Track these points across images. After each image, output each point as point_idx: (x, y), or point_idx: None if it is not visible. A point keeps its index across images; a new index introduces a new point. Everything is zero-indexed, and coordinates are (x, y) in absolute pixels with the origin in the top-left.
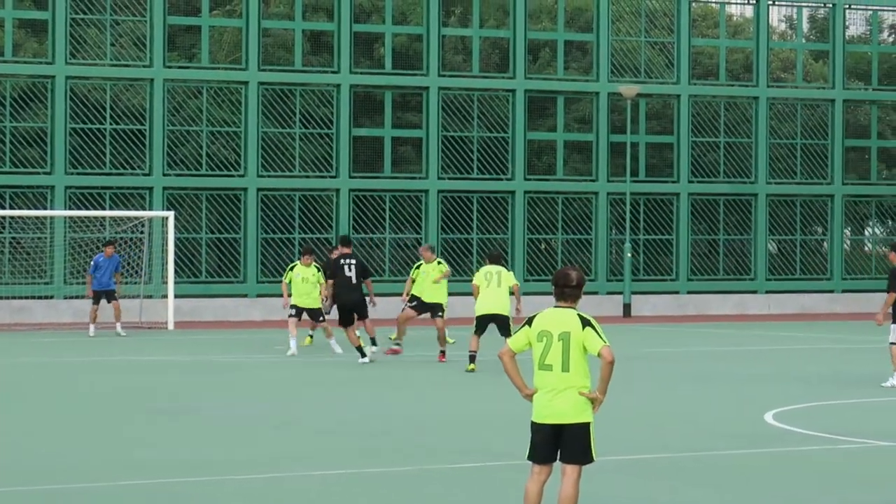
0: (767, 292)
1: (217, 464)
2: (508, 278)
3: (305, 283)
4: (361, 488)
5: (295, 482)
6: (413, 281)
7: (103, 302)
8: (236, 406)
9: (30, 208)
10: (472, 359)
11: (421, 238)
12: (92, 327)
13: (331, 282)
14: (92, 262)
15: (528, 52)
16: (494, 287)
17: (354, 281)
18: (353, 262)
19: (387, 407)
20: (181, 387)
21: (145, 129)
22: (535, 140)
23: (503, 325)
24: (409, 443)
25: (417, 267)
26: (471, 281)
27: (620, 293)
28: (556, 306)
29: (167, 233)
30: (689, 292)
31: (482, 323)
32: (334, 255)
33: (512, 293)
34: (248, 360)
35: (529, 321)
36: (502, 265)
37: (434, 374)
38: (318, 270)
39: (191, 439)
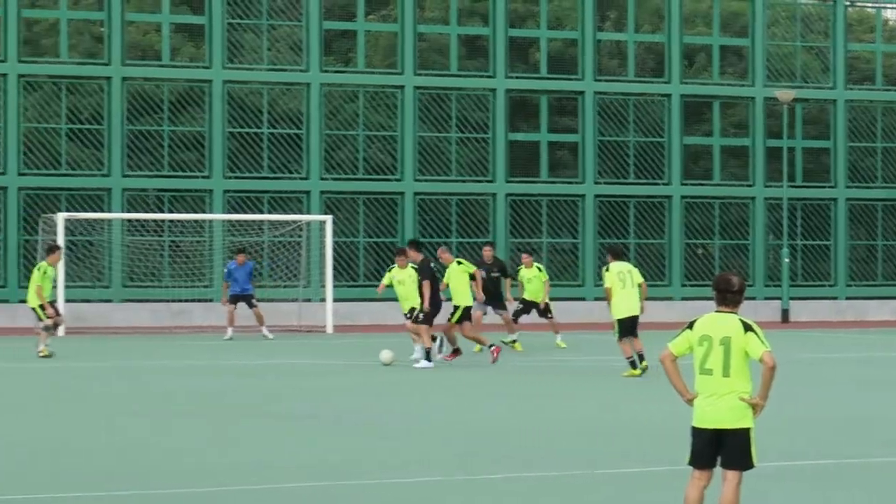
0: None
1: (357, 465)
2: (637, 276)
3: (401, 285)
4: (520, 496)
5: (454, 487)
6: (447, 285)
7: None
8: (378, 410)
9: (189, 212)
10: (635, 364)
11: (578, 243)
12: (230, 330)
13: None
14: (225, 270)
15: (684, 56)
16: (629, 287)
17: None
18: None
19: (541, 412)
20: (330, 390)
21: (302, 133)
22: (691, 145)
23: (636, 325)
24: (569, 449)
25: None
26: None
27: (778, 298)
28: (716, 311)
29: (325, 237)
30: (847, 298)
31: (626, 325)
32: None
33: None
34: (400, 364)
35: (691, 325)
36: (627, 261)
37: (586, 379)
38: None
39: (335, 443)
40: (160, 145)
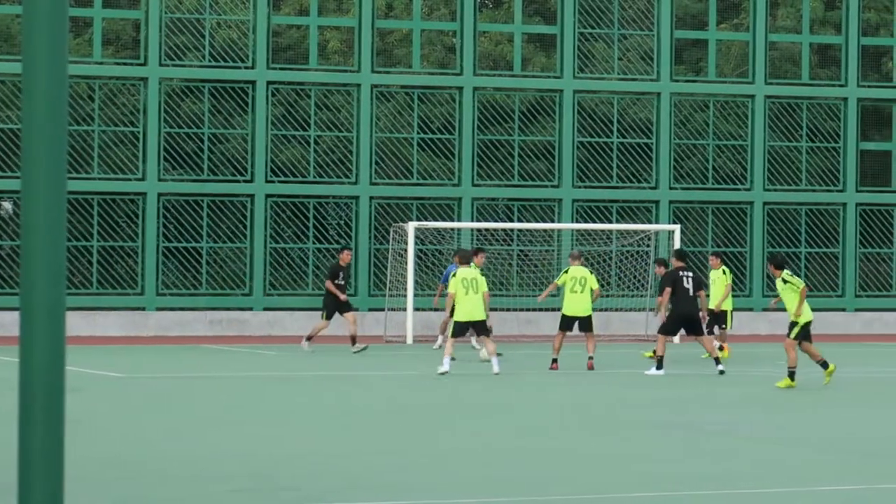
0: None
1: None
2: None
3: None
4: None
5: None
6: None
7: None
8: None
9: (538, 221)
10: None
11: None
12: (440, 338)
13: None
14: (445, 273)
15: None
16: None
17: (691, 293)
18: (691, 274)
19: (862, 424)
20: (688, 401)
21: (652, 143)
22: None
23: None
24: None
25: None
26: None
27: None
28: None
29: (673, 246)
30: None
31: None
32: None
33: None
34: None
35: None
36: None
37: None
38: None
39: (737, 452)
40: (510, 155)
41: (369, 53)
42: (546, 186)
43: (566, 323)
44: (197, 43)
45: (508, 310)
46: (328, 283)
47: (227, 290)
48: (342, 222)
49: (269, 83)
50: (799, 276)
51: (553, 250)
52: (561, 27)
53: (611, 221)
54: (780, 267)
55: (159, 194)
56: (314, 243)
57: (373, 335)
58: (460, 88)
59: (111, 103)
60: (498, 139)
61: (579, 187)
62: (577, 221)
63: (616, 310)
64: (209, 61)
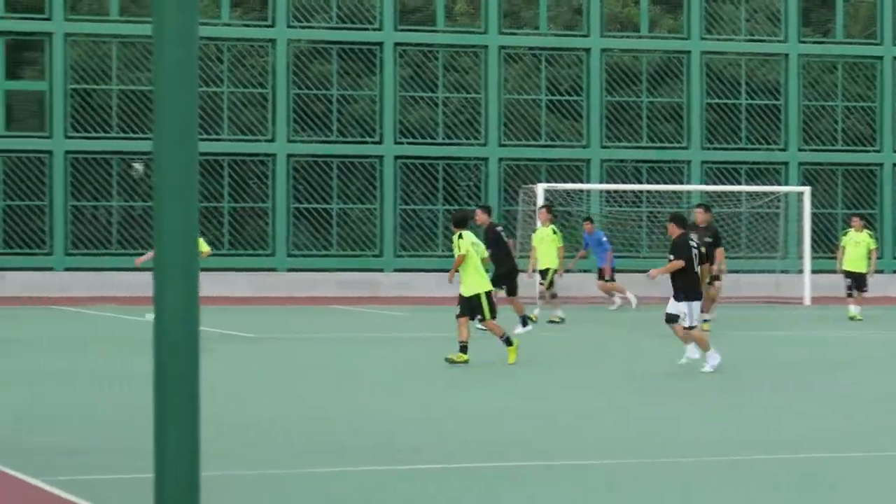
0: None
1: None
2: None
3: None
4: None
5: None
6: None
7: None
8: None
9: (666, 183)
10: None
11: None
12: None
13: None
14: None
15: None
16: None
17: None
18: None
19: None
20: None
21: (780, 104)
22: None
23: None
24: None
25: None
26: None
27: None
28: None
29: (803, 208)
30: None
31: None
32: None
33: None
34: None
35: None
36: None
37: None
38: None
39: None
40: (638, 116)
41: (496, 15)
42: (674, 148)
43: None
44: (324, 4)
45: (637, 271)
46: None
47: (356, 251)
48: (471, 184)
49: (396, 45)
50: None
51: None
52: None
53: (739, 183)
54: None
55: (289, 155)
56: (443, 205)
57: (501, 296)
58: (587, 50)
59: (240, 65)
60: (626, 101)
61: (708, 149)
62: (706, 183)
63: (747, 272)
64: (336, 23)
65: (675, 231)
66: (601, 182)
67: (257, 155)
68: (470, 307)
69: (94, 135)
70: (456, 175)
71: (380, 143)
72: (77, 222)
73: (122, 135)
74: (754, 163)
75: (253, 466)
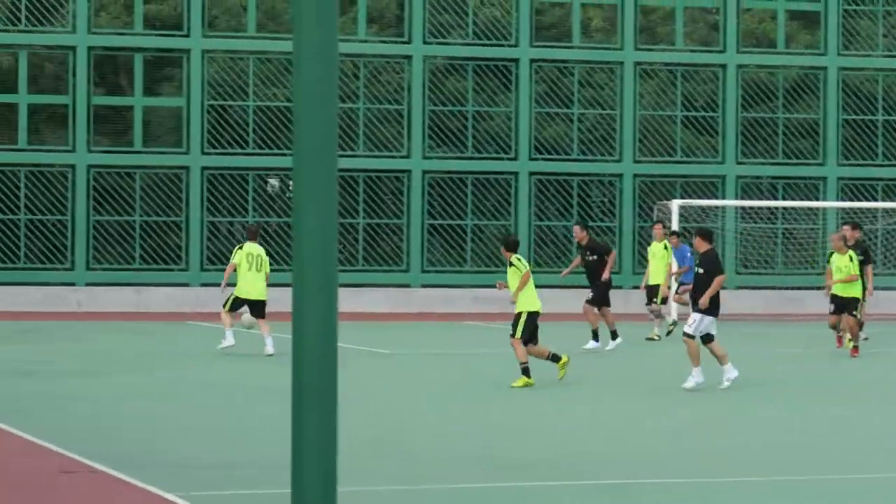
0: None
1: None
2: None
3: None
4: None
5: None
6: None
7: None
8: None
9: (802, 199)
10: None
11: None
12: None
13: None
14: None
15: None
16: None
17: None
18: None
19: None
20: None
21: None
22: None
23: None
24: None
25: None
26: None
27: None
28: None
29: None
30: None
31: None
32: None
33: None
34: None
35: None
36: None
37: None
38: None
39: None
40: (774, 133)
41: (632, 31)
42: (810, 164)
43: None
44: (460, 21)
45: (773, 288)
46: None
47: (491, 267)
48: (605, 200)
49: (532, 61)
50: None
51: (818, 229)
52: (825, 3)
53: (876, 200)
54: None
55: (424, 171)
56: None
57: (638, 313)
58: (723, 66)
59: (376, 81)
60: (762, 117)
61: (844, 165)
62: (842, 200)
63: (884, 288)
64: (472, 39)
65: (702, 246)
66: (736, 198)
67: (392, 171)
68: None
69: (230, 150)
70: (590, 191)
71: (515, 159)
72: (213, 238)
73: (258, 150)
74: (891, 179)
75: (390, 482)
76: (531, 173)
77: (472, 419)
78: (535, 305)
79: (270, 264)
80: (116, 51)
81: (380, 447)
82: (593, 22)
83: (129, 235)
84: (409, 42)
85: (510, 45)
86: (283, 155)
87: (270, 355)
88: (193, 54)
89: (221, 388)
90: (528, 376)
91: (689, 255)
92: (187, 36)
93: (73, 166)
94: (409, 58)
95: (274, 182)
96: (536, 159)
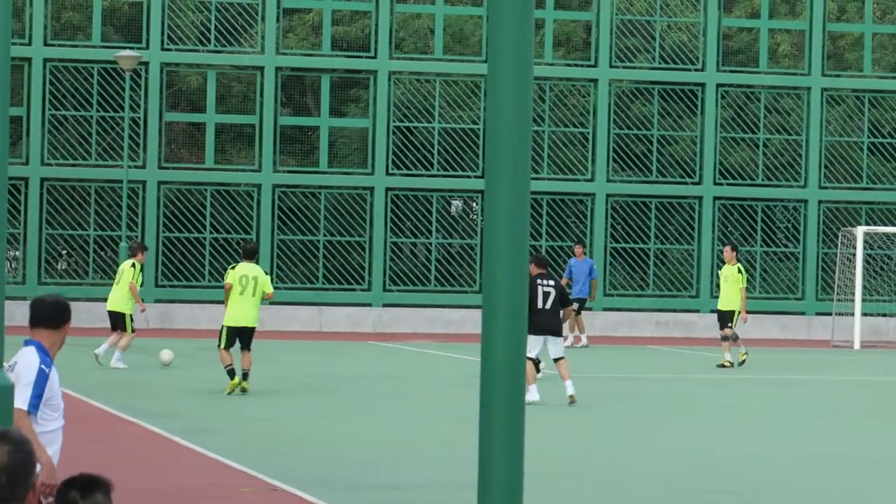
0: None
1: None
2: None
3: None
4: None
5: None
6: None
7: None
8: None
9: None
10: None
11: None
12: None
13: None
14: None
15: None
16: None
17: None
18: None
19: None
20: None
21: None
22: None
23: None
24: None
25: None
26: None
27: None
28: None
29: None
30: None
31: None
32: None
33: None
34: None
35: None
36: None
37: None
38: None
39: None
40: None
41: (820, 57)
42: None
43: None
44: (647, 45)
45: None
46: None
47: (674, 291)
48: (790, 225)
49: (718, 85)
50: None
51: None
52: None
53: None
54: None
55: (608, 195)
56: (761, 246)
57: (819, 339)
58: None
59: (561, 104)
60: None
61: None
62: None
63: None
64: (659, 63)
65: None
66: None
67: (576, 194)
68: None
69: (414, 172)
70: (774, 216)
71: (699, 183)
72: (396, 259)
73: (443, 172)
74: None
75: (571, 501)
76: (715, 198)
77: (645, 441)
78: None
79: (454, 287)
80: (304, 71)
81: (557, 466)
82: (780, 47)
83: (313, 255)
84: (595, 65)
85: (697, 70)
86: (468, 177)
87: (116, 369)
88: (380, 76)
89: (406, 409)
90: None
91: None
92: (374, 57)
93: (258, 186)
94: (594, 81)
95: (457, 203)
96: (721, 184)
